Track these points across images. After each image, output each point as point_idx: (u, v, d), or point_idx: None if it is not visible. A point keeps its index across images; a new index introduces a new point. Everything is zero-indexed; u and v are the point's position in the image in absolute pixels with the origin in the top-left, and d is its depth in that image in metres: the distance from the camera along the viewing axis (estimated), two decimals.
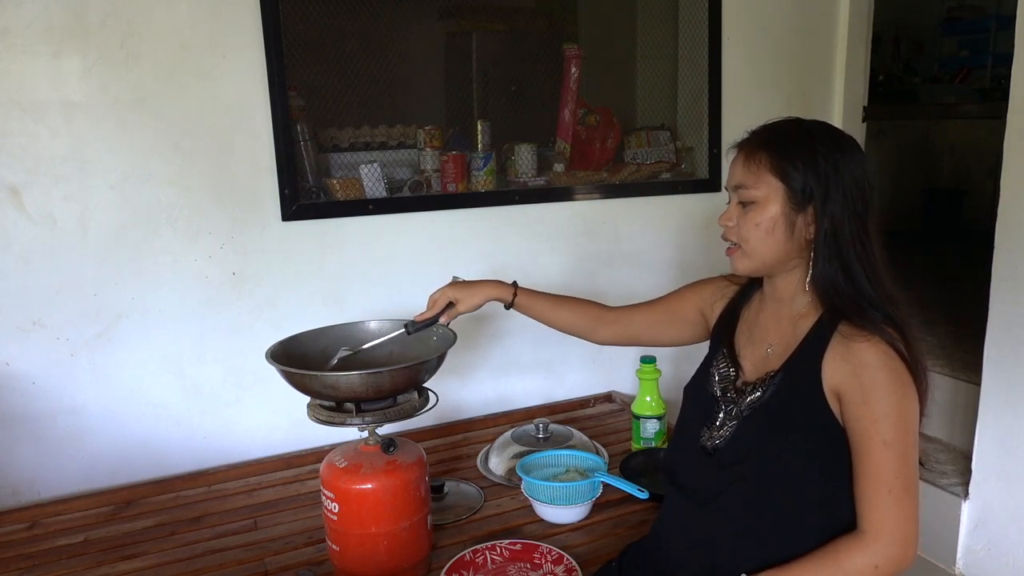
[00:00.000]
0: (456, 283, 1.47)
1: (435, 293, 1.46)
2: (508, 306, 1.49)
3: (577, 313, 1.51)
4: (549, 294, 1.52)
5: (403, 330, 1.44)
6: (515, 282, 1.50)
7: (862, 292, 1.10)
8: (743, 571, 1.11)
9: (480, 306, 1.47)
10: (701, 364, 1.32)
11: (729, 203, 1.20)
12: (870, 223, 1.12)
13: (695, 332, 1.42)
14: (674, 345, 1.49)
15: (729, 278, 1.36)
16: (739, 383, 1.22)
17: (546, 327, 1.53)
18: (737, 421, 1.18)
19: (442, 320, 1.45)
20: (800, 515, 1.11)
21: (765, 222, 1.13)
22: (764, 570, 1.09)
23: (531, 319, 1.52)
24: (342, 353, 1.44)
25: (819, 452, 1.10)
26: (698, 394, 1.28)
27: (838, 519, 1.10)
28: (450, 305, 1.45)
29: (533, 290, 1.51)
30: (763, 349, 1.21)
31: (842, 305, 1.10)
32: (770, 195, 1.12)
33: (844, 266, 1.10)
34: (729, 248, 1.20)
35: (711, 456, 1.19)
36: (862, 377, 1.05)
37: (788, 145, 1.12)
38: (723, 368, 1.26)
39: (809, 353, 1.12)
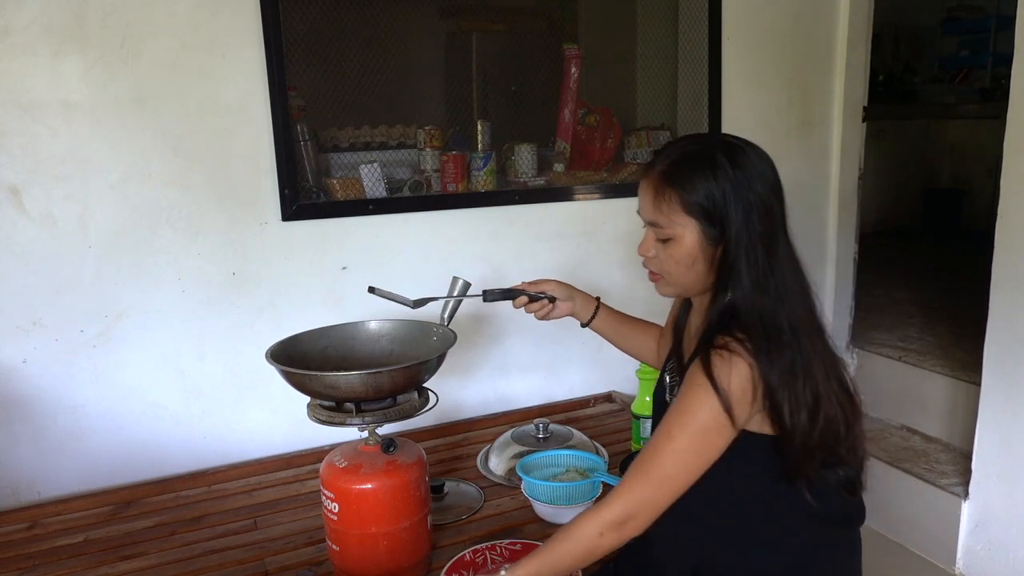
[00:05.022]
0: (564, 285, 1.48)
1: (551, 286, 1.47)
2: (585, 324, 1.51)
3: (643, 339, 1.54)
4: (621, 315, 1.54)
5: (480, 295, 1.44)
6: (598, 298, 1.52)
7: (760, 310, 1.08)
8: (718, 572, 1.14)
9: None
10: (661, 370, 1.34)
11: (645, 229, 1.19)
12: (779, 235, 1.12)
13: None
14: None
15: None
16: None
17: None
18: None
19: (536, 312, 1.46)
20: (731, 515, 1.13)
21: (685, 258, 1.14)
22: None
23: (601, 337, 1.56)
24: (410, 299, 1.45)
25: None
26: (657, 400, 1.32)
27: (772, 519, 1.11)
28: (551, 299, 1.45)
29: (611, 310, 1.53)
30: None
31: (731, 321, 1.09)
32: (685, 233, 1.12)
33: (756, 285, 1.09)
34: (651, 274, 1.22)
35: None
36: (695, 376, 1.07)
37: (695, 180, 1.10)
38: (671, 374, 1.28)
39: (691, 363, 1.13)
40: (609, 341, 1.56)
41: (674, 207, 1.11)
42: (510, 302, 1.46)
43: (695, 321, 1.25)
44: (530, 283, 1.46)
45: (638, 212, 1.19)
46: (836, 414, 1.07)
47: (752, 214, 1.08)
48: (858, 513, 1.21)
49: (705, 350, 1.07)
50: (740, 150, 1.11)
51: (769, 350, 1.04)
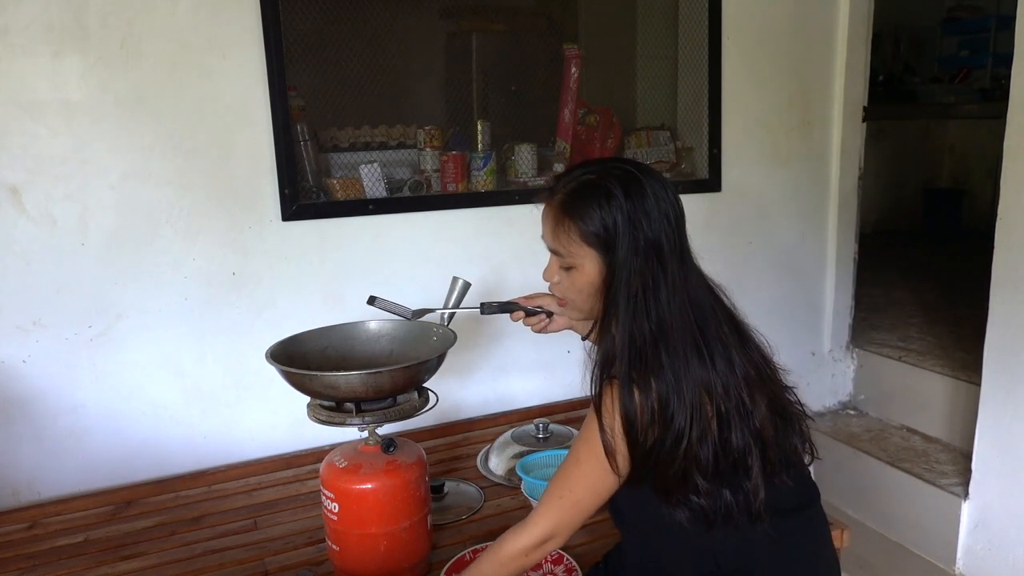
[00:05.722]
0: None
1: (547, 300, 1.45)
2: (585, 337, 1.49)
3: None
4: None
5: (478, 308, 1.43)
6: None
7: (638, 342, 1.08)
8: None
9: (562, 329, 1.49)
10: None
11: (550, 254, 1.20)
12: (669, 265, 1.10)
13: None
14: None
15: None
16: None
17: None
18: None
19: (532, 326, 1.45)
20: (685, 527, 1.12)
21: (586, 286, 1.16)
22: None
23: None
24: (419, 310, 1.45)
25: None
26: None
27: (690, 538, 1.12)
28: (548, 313, 1.44)
29: None
30: None
31: (613, 352, 1.10)
32: (586, 262, 1.14)
33: (634, 317, 1.09)
34: (558, 300, 1.26)
35: None
36: (593, 405, 1.12)
37: (591, 211, 1.11)
38: None
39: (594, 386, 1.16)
40: None
41: (573, 238, 1.13)
42: (514, 311, 1.47)
43: None
44: (527, 297, 1.46)
45: (542, 237, 1.21)
46: (706, 448, 1.06)
47: (638, 246, 1.09)
48: (808, 497, 1.21)
49: (598, 381, 1.11)
50: (636, 180, 1.11)
51: (630, 385, 1.06)
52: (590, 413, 1.12)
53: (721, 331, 1.12)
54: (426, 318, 1.47)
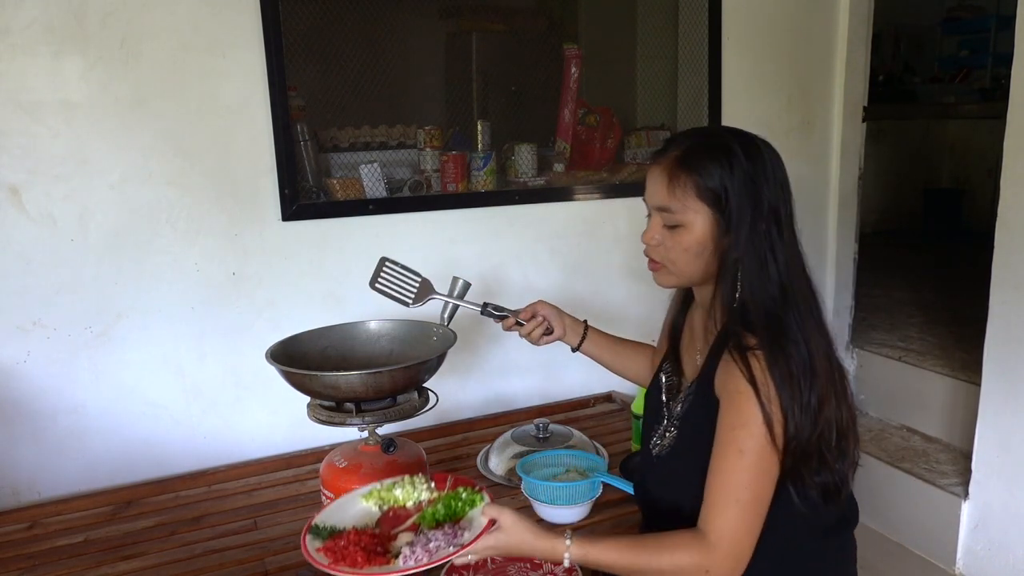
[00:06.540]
0: (552, 306, 1.47)
1: (546, 309, 1.45)
2: (576, 348, 1.50)
3: (637, 359, 1.52)
4: (611, 337, 1.52)
5: (478, 308, 1.44)
6: (586, 321, 1.51)
7: (767, 306, 1.06)
8: None
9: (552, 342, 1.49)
10: (657, 369, 1.33)
11: (649, 217, 1.17)
12: (784, 233, 1.09)
13: None
14: None
15: None
16: (677, 388, 1.23)
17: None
18: (675, 429, 1.19)
19: (529, 334, 1.45)
20: None
21: (694, 246, 1.11)
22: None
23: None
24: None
25: None
26: (651, 400, 1.30)
27: (771, 532, 1.07)
28: (547, 327, 1.44)
29: (600, 332, 1.51)
30: (695, 355, 1.21)
31: (743, 319, 1.07)
32: (697, 219, 1.10)
33: (761, 282, 1.07)
34: (652, 263, 1.18)
35: (657, 464, 1.21)
36: (737, 383, 1.03)
37: (711, 167, 1.08)
38: (668, 373, 1.27)
39: (711, 364, 1.10)
40: (601, 364, 1.54)
41: (688, 192, 1.09)
42: (507, 318, 1.46)
43: (698, 316, 1.23)
44: (526, 308, 1.46)
45: (643, 199, 1.17)
46: (835, 416, 1.05)
47: (760, 209, 1.07)
48: (853, 515, 1.20)
49: (740, 353, 1.03)
50: (754, 143, 1.11)
51: (774, 350, 1.02)
52: (731, 397, 1.03)
53: (821, 301, 1.11)
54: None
